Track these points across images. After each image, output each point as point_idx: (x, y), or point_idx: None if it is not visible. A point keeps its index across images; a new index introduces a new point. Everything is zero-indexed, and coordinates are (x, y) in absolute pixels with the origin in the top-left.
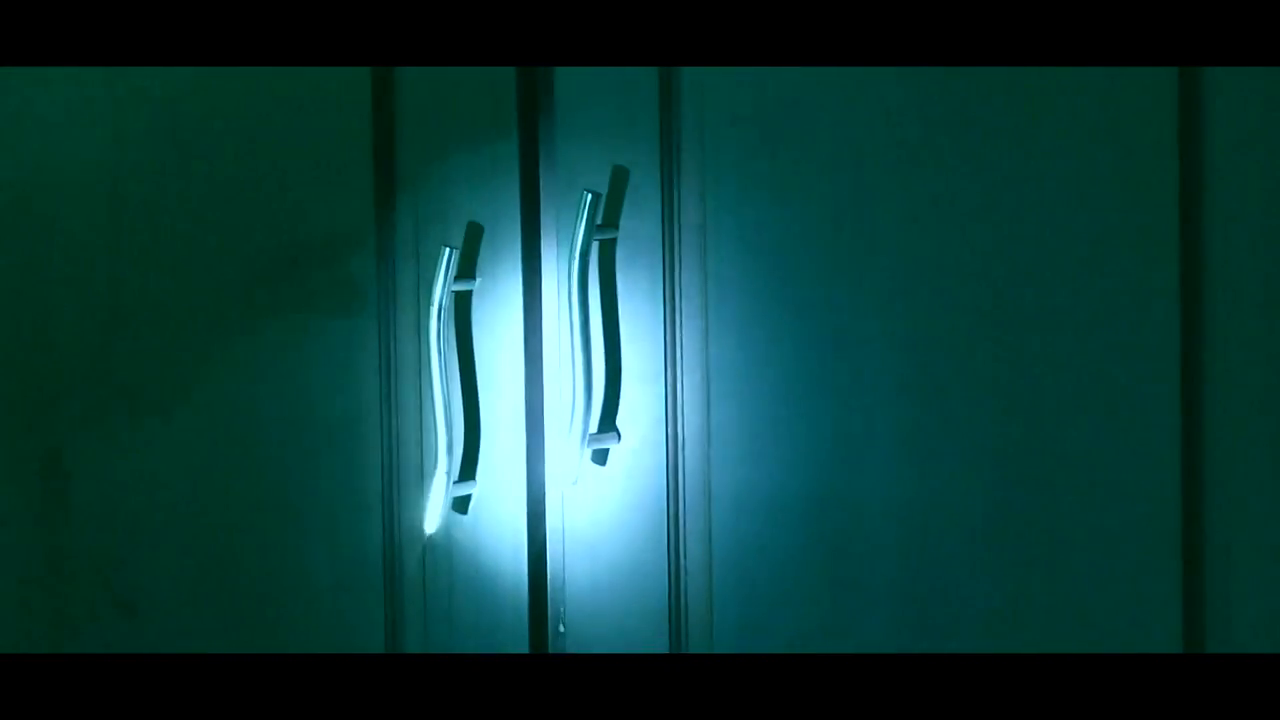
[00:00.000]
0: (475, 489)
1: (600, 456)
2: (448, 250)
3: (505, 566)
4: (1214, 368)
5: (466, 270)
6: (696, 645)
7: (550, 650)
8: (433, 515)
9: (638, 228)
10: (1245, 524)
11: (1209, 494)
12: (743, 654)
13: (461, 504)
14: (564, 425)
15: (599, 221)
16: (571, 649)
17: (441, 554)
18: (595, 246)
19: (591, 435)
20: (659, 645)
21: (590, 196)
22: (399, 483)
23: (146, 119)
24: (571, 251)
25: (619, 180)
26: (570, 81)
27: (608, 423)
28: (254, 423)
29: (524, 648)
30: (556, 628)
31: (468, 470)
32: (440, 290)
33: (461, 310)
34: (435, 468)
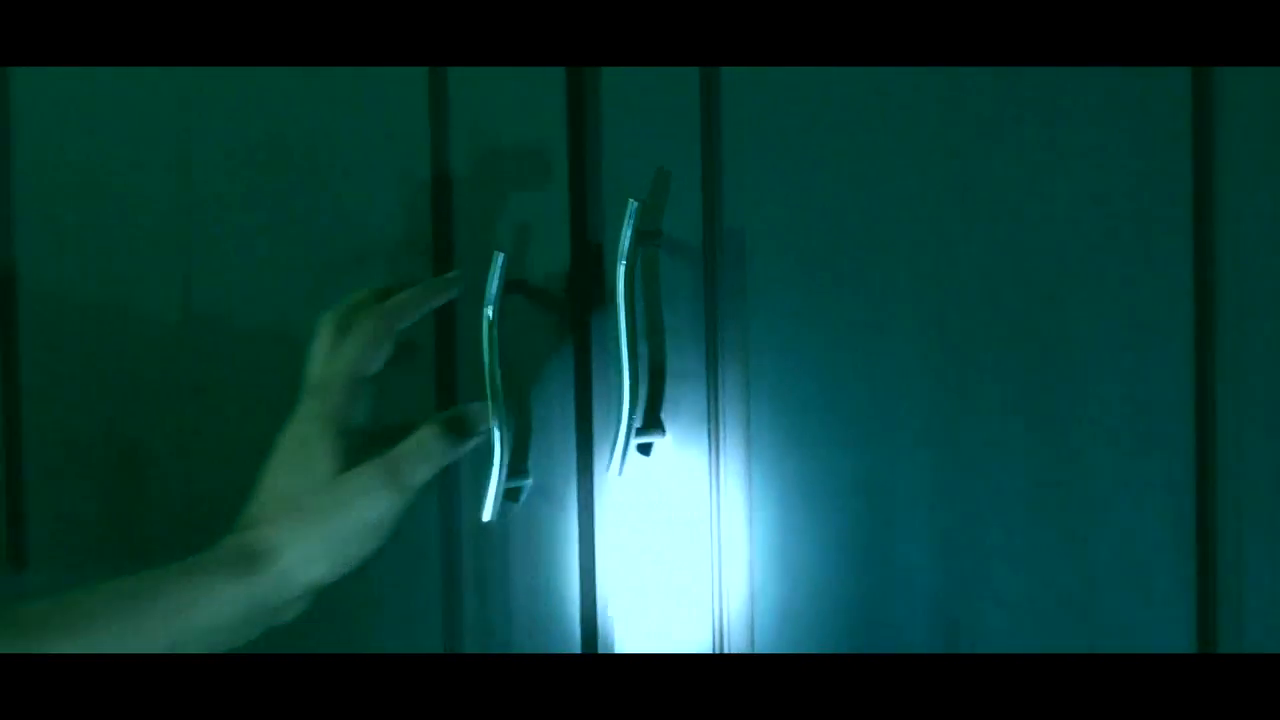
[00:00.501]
0: (528, 481)
1: (645, 450)
2: (499, 255)
3: (557, 558)
4: (1226, 366)
5: (517, 272)
6: (737, 637)
7: (599, 641)
8: (489, 507)
9: (679, 228)
10: (1258, 522)
11: (1221, 492)
12: (789, 654)
13: (514, 495)
14: (611, 420)
15: (643, 227)
16: (619, 641)
17: (497, 545)
18: (640, 251)
19: (637, 430)
20: (701, 635)
21: (636, 205)
22: (456, 475)
23: (211, 120)
24: (618, 256)
25: (662, 182)
26: (614, 82)
27: (653, 418)
28: None
29: (576, 636)
30: (605, 619)
31: (519, 463)
32: (493, 291)
33: (513, 309)
34: (490, 461)
